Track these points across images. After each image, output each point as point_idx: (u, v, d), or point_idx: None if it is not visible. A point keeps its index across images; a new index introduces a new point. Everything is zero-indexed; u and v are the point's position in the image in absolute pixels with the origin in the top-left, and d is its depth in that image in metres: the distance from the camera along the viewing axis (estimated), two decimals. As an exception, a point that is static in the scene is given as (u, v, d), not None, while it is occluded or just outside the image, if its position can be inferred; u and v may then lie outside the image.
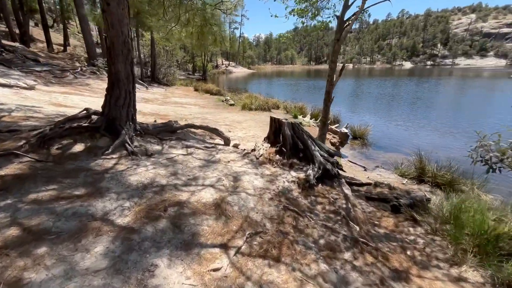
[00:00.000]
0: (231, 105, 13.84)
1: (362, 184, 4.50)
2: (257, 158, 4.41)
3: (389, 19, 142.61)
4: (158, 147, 4.33)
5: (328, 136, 5.77)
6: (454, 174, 4.59)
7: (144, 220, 2.40)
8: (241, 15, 66.59)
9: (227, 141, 5.08)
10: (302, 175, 3.93)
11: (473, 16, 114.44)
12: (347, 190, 3.85)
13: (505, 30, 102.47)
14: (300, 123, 8.72)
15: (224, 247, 2.26)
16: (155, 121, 6.55)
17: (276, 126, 4.85)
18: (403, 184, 4.84)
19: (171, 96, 16.36)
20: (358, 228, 2.91)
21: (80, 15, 16.31)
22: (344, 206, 3.37)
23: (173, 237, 2.26)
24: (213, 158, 4.22)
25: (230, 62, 70.69)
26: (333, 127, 7.42)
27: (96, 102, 8.04)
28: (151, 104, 11.60)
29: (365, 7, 4.73)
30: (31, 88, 8.74)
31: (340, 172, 4.38)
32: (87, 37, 16.84)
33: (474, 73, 50.05)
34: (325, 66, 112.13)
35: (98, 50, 22.42)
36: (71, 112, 5.60)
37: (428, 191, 4.56)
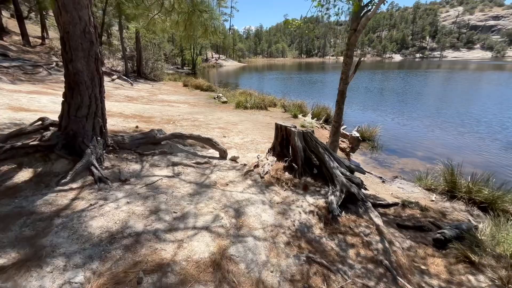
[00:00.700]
0: (223, 102, 12.86)
1: (388, 205, 3.76)
2: (262, 177, 3.57)
3: (378, 11, 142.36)
4: (136, 167, 3.42)
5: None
6: (494, 189, 3.89)
7: (103, 311, 1.53)
8: (231, 7, 64.62)
9: (223, 154, 4.20)
10: (321, 201, 3.12)
11: (461, 8, 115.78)
12: (377, 218, 3.07)
13: (491, 22, 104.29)
14: (303, 125, 7.93)
15: None
16: (136, 127, 5.58)
17: (282, 135, 4.00)
18: (432, 201, 4.12)
19: (158, 93, 15.18)
20: (409, 286, 2.14)
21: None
22: (380, 246, 2.59)
23: None
24: (207, 180, 3.35)
25: (221, 55, 68.81)
26: (341, 129, 6.64)
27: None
28: (135, 103, 10.50)
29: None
30: (-10, 87, 7.52)
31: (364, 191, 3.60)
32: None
33: (462, 66, 50.40)
34: (316, 59, 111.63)
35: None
36: (32, 118, 4.56)
37: (464, 210, 3.86)
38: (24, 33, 19.55)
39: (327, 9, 4.13)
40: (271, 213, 2.81)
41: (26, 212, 2.24)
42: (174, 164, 3.63)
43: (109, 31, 31.65)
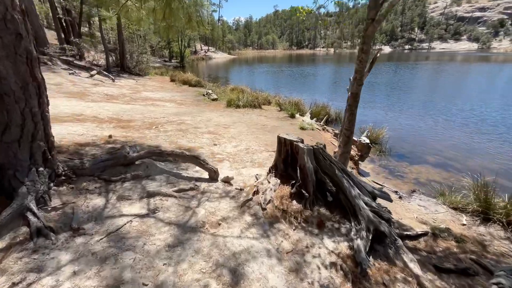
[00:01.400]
0: (213, 100, 11.91)
1: (417, 236, 3.08)
2: (264, 209, 2.80)
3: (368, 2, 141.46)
4: (98, 201, 2.58)
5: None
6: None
7: None
8: (219, -4, 62.30)
9: (213, 175, 3.40)
10: (343, 245, 2.40)
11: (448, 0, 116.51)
12: (413, 264, 2.39)
13: (478, 14, 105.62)
14: (303, 127, 7.16)
15: None
16: (109, 136, 4.68)
17: (287, 150, 3.23)
18: (464, 225, 3.50)
19: (142, 89, 14.03)
20: None
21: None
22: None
23: None
24: (192, 218, 2.55)
25: (210, 48, 66.67)
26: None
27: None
28: (115, 103, 9.44)
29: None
30: None
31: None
32: (32, 19, 13.78)
33: (449, 58, 50.61)
34: (306, 51, 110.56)
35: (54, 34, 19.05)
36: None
37: (504, 238, 3.25)
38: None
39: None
40: (280, 271, 2.06)
41: None
42: (150, 194, 2.81)
43: (91, 21, 29.60)
